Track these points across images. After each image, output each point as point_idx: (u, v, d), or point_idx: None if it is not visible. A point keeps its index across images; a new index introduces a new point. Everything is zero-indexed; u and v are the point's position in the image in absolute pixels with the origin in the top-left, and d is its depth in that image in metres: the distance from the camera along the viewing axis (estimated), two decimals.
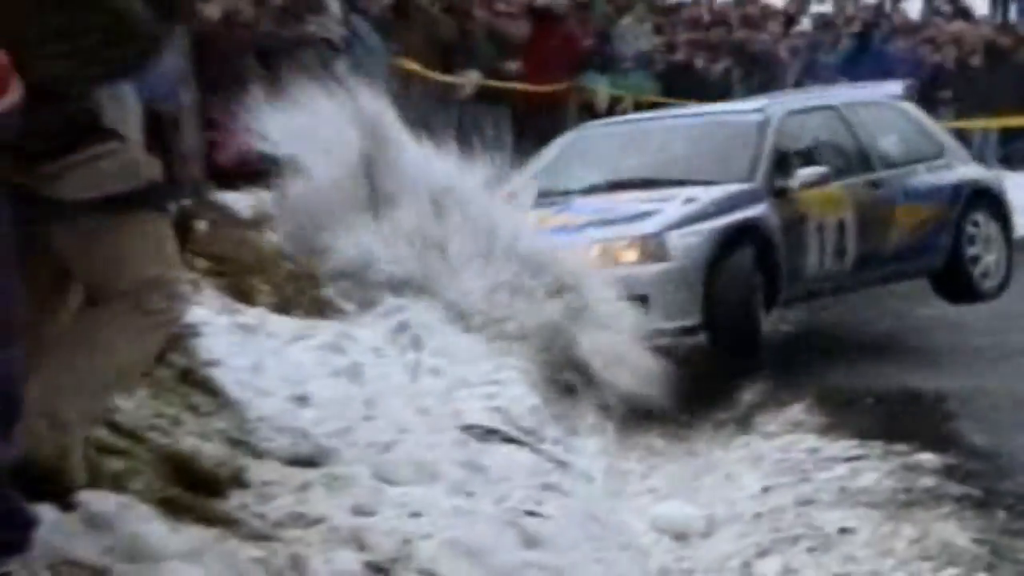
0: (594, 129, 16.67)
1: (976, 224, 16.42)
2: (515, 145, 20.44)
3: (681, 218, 13.69)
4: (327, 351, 10.51)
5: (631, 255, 13.41)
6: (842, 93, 17.65)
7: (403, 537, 7.11)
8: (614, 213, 13.89)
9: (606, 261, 13.31)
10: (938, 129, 17.57)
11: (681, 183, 14.40)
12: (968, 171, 16.87)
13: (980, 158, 23.88)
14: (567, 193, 14.62)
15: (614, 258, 13.37)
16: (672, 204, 13.94)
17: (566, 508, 8.62)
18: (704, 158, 14.94)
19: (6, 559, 5.08)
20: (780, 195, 14.42)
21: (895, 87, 17.74)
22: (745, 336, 13.70)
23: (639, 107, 22.11)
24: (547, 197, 14.32)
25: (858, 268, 15.16)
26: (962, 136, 24.77)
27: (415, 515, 7.44)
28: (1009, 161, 25.86)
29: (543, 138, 20.54)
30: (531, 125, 20.69)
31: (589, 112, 21.43)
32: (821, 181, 14.73)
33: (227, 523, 6.52)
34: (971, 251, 16.31)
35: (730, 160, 14.72)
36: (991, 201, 16.70)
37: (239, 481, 7.12)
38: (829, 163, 15.10)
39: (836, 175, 15.05)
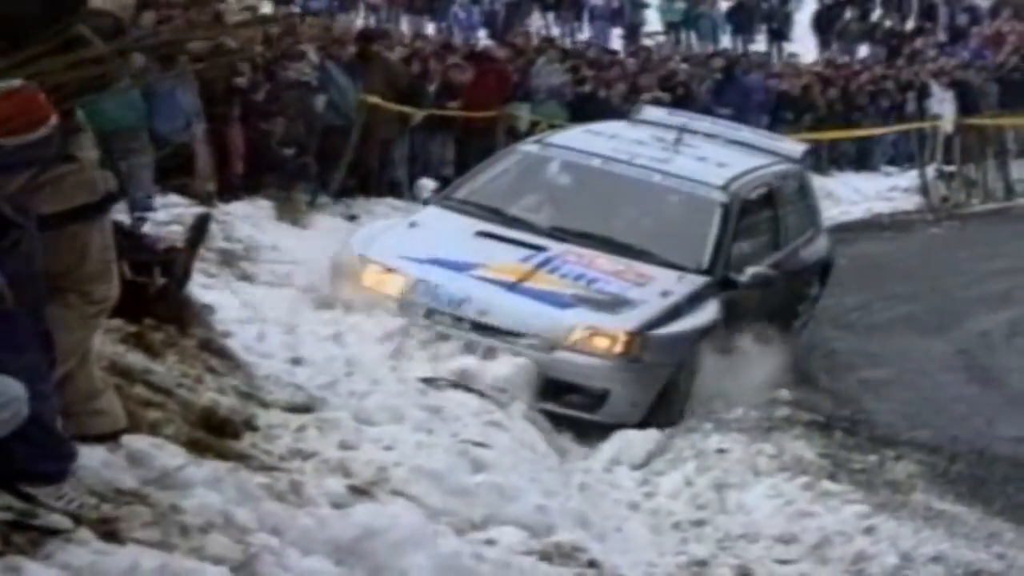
0: (549, 151, 12.29)
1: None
2: (457, 161, 20.57)
3: (661, 315, 10.60)
4: (316, 323, 10.43)
5: (609, 347, 10.37)
6: (749, 136, 13.67)
7: (379, 465, 7.03)
8: (596, 290, 10.71)
9: (582, 345, 10.34)
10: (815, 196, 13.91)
11: (647, 257, 11.13)
12: (822, 243, 13.47)
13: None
14: (532, 229, 11.24)
15: (591, 345, 10.37)
16: (649, 292, 10.79)
17: (506, 440, 8.56)
18: (669, 235, 11.48)
19: (55, 485, 5.01)
20: (726, 287, 11.15)
21: (797, 148, 13.77)
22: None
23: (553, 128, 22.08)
24: (507, 226, 11.26)
25: None
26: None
27: (388, 448, 7.36)
28: (837, 163, 25.90)
29: (480, 155, 20.59)
30: (469, 145, 20.63)
31: (513, 135, 21.35)
32: (765, 284, 11.40)
33: (240, 458, 6.43)
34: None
35: (693, 244, 11.34)
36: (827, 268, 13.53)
37: (249, 425, 7.03)
38: (760, 245, 12.03)
39: (758, 258, 11.72)
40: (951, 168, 24.87)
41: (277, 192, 15.72)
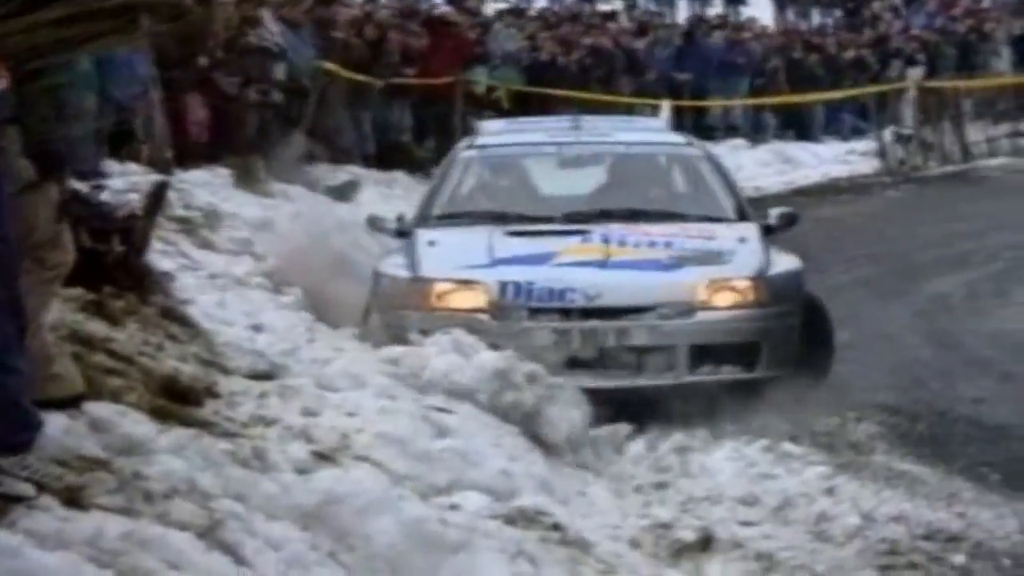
0: (491, 151, 11.36)
1: None
2: (415, 127, 20.56)
3: (763, 260, 9.89)
4: (274, 290, 10.43)
5: (740, 297, 9.63)
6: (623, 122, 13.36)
7: (342, 431, 7.04)
8: (684, 250, 9.89)
9: (712, 301, 9.58)
10: None
11: (681, 217, 10.40)
12: None
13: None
14: (551, 220, 10.36)
15: (721, 299, 9.62)
16: (728, 242, 10.04)
17: (470, 406, 8.57)
18: (680, 193, 10.98)
19: (21, 454, 5.01)
20: (767, 231, 10.43)
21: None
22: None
23: (513, 97, 22.09)
24: (524, 222, 10.33)
25: None
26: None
27: (351, 414, 7.36)
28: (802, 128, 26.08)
29: (437, 122, 20.60)
30: (427, 112, 20.64)
31: (471, 100, 21.34)
32: (792, 223, 10.72)
33: (203, 425, 6.42)
34: None
35: (711, 197, 10.79)
36: None
37: (211, 392, 7.01)
38: None
39: None
40: (908, 131, 25.06)
41: (236, 160, 15.66)
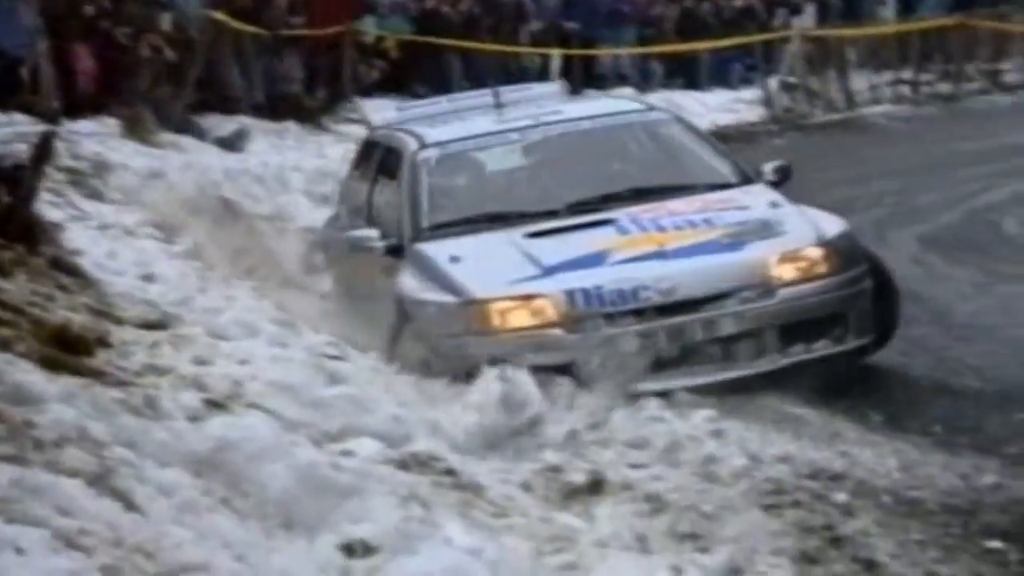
0: (445, 148, 10.09)
1: None
2: (305, 79, 20.46)
3: (810, 223, 9.26)
4: (165, 240, 10.37)
5: (810, 267, 8.97)
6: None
7: (234, 379, 7.03)
8: (731, 225, 9.18)
9: (787, 277, 8.90)
10: None
11: (691, 189, 9.69)
12: None
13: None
14: (556, 215, 9.47)
15: (794, 273, 8.94)
16: (763, 210, 9.38)
17: (361, 353, 8.60)
18: (674, 164, 10.10)
19: None
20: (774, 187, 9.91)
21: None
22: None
23: (401, 46, 22.04)
24: (532, 222, 9.40)
25: None
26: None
27: (243, 362, 7.35)
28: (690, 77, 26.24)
29: (327, 72, 20.50)
30: (317, 61, 20.54)
31: (360, 50, 21.27)
32: (788, 175, 9.97)
33: (94, 374, 6.39)
34: None
35: (704, 163, 10.07)
36: None
37: (103, 342, 6.98)
38: None
39: None
40: (794, 80, 25.35)
41: (125, 110, 15.53)
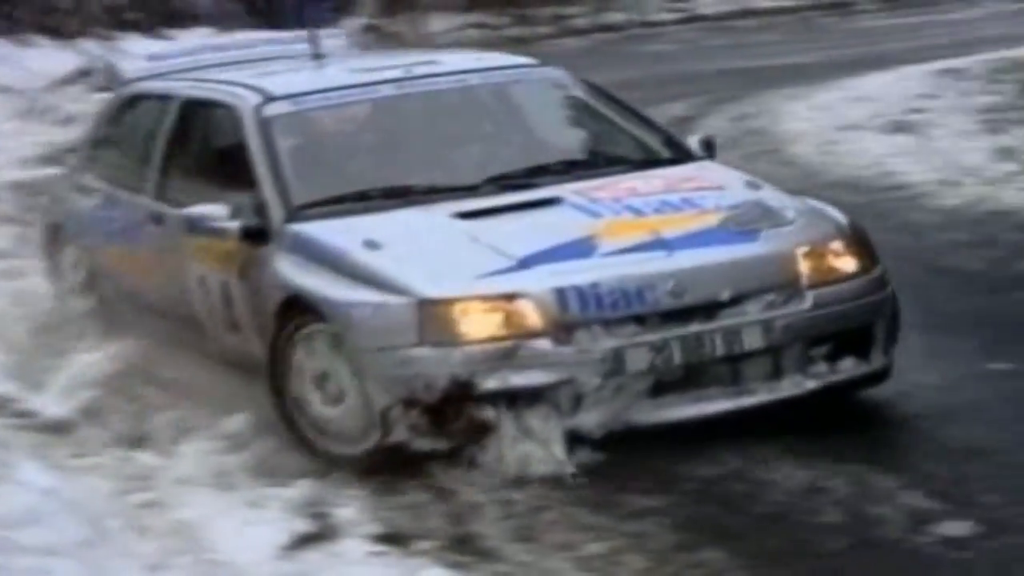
0: (312, 103, 7.95)
1: None
2: None
3: (811, 207, 7.57)
4: None
5: (844, 265, 7.13)
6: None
7: None
8: (726, 208, 7.30)
9: (813, 278, 7.01)
10: None
11: (627, 163, 7.89)
12: None
13: None
14: (475, 191, 7.49)
15: (826, 272, 7.10)
16: (742, 190, 7.58)
17: None
18: (597, 134, 8.34)
19: None
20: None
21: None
22: None
23: None
24: (452, 199, 7.36)
25: None
26: None
27: None
28: None
29: None
30: None
31: None
32: (712, 148, 8.28)
33: None
34: None
35: (634, 134, 8.21)
36: None
37: None
38: None
39: None
40: (372, 21, 26.62)
41: None
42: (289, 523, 5.81)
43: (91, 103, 14.37)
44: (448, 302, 6.61)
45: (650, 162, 7.86)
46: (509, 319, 6.64)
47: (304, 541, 5.70)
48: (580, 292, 6.72)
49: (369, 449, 6.55)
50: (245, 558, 5.53)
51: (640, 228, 7.06)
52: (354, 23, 25.88)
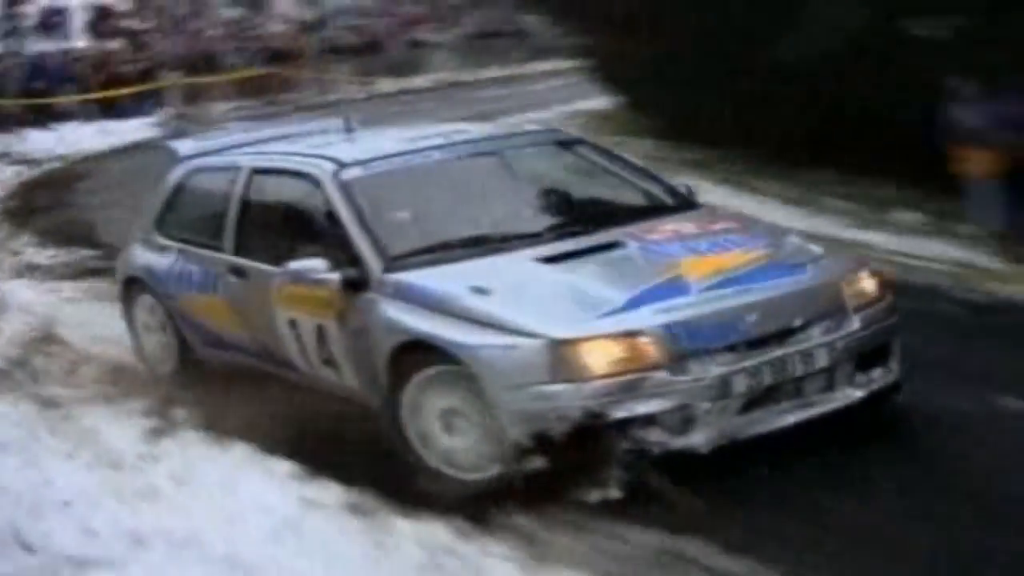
0: (381, 167, 8.82)
1: None
2: None
3: (837, 251, 8.72)
4: None
5: (874, 291, 8.16)
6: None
7: None
8: (764, 246, 8.19)
9: (857, 298, 8.04)
10: None
11: (658, 211, 8.79)
12: None
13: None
14: (537, 239, 8.24)
15: (861, 297, 8.07)
16: (769, 230, 8.67)
17: None
18: (617, 183, 9.20)
19: None
20: None
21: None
22: None
23: None
24: (522, 247, 8.11)
25: None
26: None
27: None
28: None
29: None
30: None
31: None
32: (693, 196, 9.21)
33: None
34: None
35: (639, 185, 9.16)
36: None
37: None
38: None
39: None
40: (179, 110, 31.98)
41: None
42: None
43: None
44: (578, 342, 7.20)
45: (663, 208, 8.74)
46: (632, 354, 7.26)
47: None
48: (687, 326, 7.39)
49: (495, 476, 7.25)
50: None
51: (710, 266, 7.82)
52: (169, 111, 31.83)
